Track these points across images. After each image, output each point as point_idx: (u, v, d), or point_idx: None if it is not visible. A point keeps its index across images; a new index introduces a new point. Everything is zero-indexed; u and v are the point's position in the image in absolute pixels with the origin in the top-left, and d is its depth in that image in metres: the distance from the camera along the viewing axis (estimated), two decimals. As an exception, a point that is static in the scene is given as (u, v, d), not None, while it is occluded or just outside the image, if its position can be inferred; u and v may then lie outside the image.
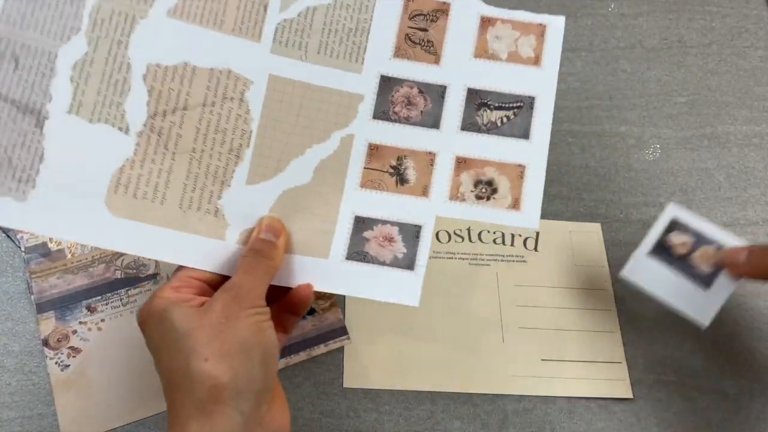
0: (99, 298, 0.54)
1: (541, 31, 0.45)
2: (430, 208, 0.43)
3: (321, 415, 0.51)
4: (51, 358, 0.52)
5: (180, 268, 0.40)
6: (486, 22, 0.45)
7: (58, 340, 0.52)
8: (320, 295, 0.55)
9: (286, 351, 0.53)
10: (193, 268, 0.40)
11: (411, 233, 0.43)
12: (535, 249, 0.59)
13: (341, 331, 0.54)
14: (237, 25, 0.43)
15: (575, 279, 0.58)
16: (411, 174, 0.43)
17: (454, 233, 0.59)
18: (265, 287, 0.38)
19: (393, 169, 0.43)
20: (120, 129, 0.41)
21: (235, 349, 0.35)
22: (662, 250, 0.52)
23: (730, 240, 0.50)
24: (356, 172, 0.43)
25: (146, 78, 0.41)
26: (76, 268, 0.55)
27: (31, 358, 0.52)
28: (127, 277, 0.55)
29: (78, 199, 0.40)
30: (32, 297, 0.54)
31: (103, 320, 0.53)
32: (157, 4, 0.42)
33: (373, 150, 0.43)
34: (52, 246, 0.55)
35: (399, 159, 0.43)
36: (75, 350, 0.52)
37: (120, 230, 0.40)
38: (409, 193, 0.43)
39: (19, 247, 0.55)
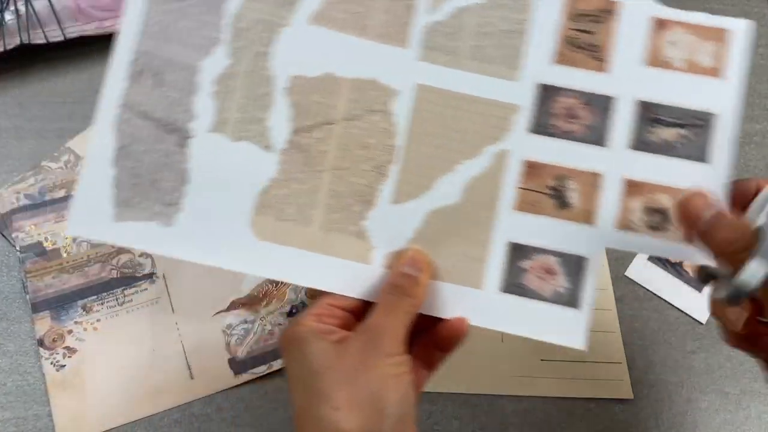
0: (95, 297, 0.53)
1: (720, 35, 0.39)
2: (597, 238, 0.38)
3: (319, 416, 0.51)
4: (46, 359, 0.51)
5: (322, 294, 0.38)
6: (659, 25, 0.39)
7: (54, 340, 0.52)
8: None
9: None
10: (335, 295, 0.38)
11: (574, 265, 0.38)
12: (535, 248, 0.58)
13: (340, 330, 0.54)
14: (382, 30, 0.39)
15: (575, 278, 0.57)
16: (574, 197, 0.38)
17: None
18: (405, 329, 0.36)
19: (552, 191, 0.38)
20: (264, 147, 0.39)
21: (368, 400, 0.33)
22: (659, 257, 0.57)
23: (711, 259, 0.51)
24: (510, 193, 0.38)
25: (289, 91, 0.39)
26: (71, 267, 0.54)
27: (27, 358, 0.52)
28: (123, 276, 0.54)
29: (223, 222, 0.38)
30: (27, 297, 0.53)
31: (99, 320, 0.53)
32: (298, 10, 0.39)
33: (530, 168, 0.39)
34: (48, 245, 0.55)
35: (559, 179, 0.38)
36: (70, 350, 0.52)
37: (264, 254, 0.38)
38: (571, 219, 0.38)
39: (14, 246, 0.55)
